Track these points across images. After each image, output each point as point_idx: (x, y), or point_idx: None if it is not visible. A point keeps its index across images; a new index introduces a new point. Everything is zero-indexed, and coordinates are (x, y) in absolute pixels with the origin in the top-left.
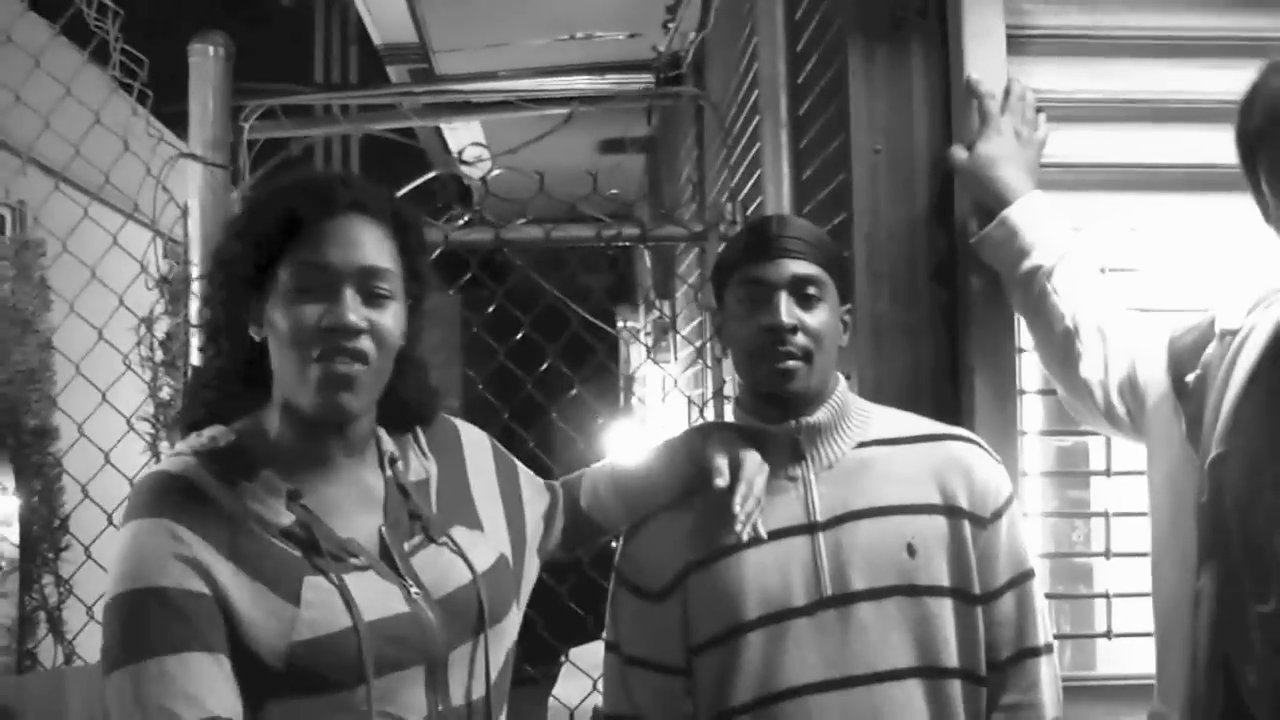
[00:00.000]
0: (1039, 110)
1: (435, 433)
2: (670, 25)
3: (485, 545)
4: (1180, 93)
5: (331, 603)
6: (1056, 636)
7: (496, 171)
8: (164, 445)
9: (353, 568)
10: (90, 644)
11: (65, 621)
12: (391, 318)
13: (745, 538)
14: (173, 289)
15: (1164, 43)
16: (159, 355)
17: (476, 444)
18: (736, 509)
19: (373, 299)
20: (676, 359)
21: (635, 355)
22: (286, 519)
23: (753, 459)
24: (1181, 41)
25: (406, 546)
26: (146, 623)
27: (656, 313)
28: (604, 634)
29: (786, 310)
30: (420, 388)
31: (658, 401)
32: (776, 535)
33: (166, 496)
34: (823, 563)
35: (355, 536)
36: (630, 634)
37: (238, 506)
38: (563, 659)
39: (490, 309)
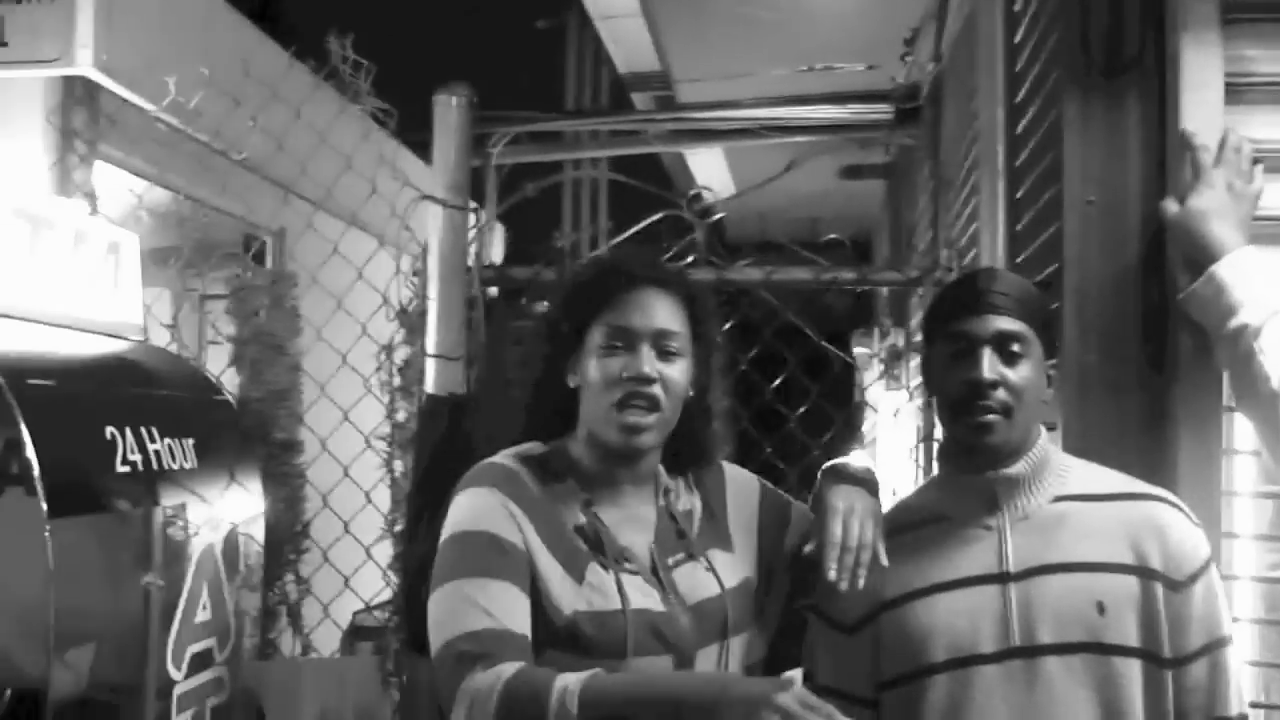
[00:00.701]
0: (1256, 162)
1: (705, 474)
2: (908, 58)
3: (735, 567)
4: None
5: (607, 589)
6: (1258, 706)
7: (720, 214)
8: (398, 463)
9: (626, 570)
10: (324, 638)
11: (303, 616)
12: (679, 372)
13: (844, 588)
14: (410, 320)
15: None
16: (396, 381)
17: (742, 485)
18: (828, 567)
19: (665, 355)
20: (908, 387)
21: (869, 381)
22: (580, 519)
23: (832, 513)
24: None
25: (670, 561)
26: (476, 553)
27: (890, 340)
28: (802, 663)
29: (989, 366)
30: (705, 432)
31: (889, 430)
32: (968, 583)
33: (497, 477)
34: (1012, 613)
35: (630, 547)
36: (824, 664)
37: (545, 498)
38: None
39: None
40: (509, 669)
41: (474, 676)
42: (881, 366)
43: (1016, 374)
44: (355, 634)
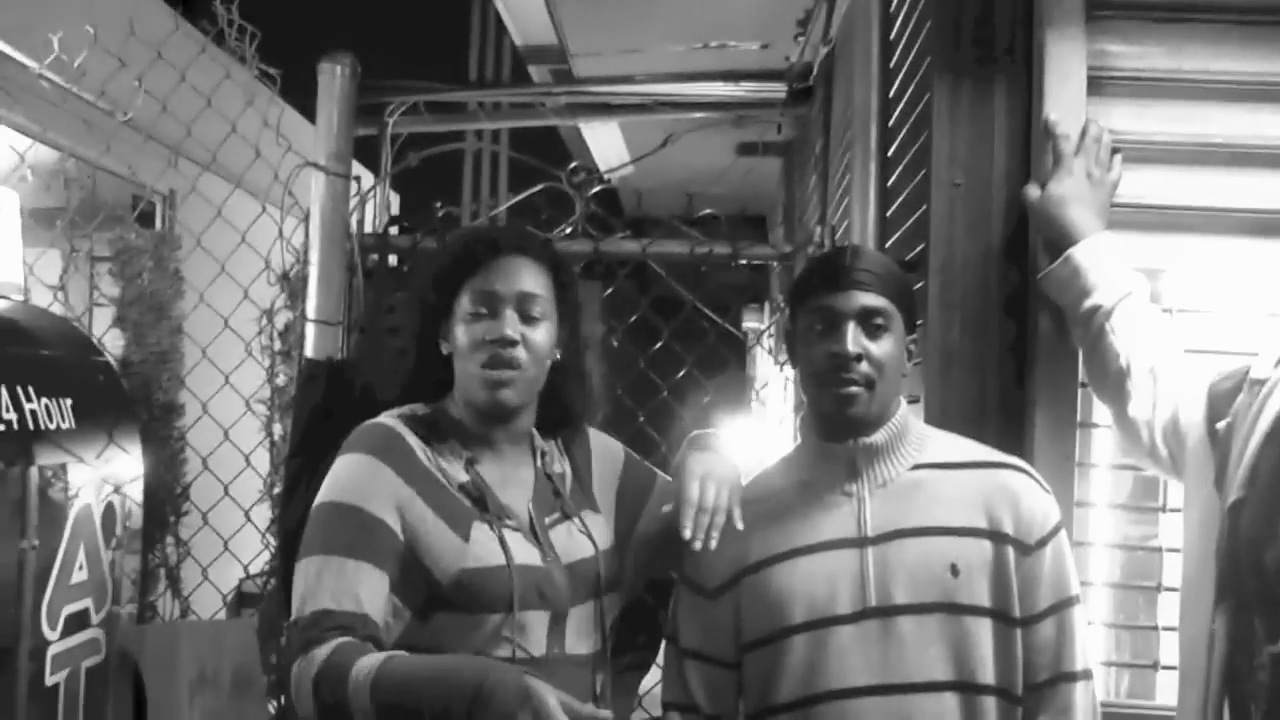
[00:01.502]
0: (1115, 151)
1: (573, 440)
2: (800, 38)
3: (604, 529)
4: (1258, 138)
5: (492, 545)
6: (1111, 664)
7: (599, 187)
8: (277, 427)
9: (507, 527)
10: (203, 600)
11: (182, 579)
12: (543, 334)
13: (697, 547)
14: (292, 285)
15: (1244, 88)
16: (277, 345)
17: (608, 452)
18: (683, 525)
19: (528, 319)
20: (777, 363)
21: (759, 357)
22: (464, 477)
23: (690, 476)
24: (1262, 87)
25: (547, 520)
26: (341, 529)
27: (780, 316)
28: (665, 627)
29: (853, 339)
30: (573, 394)
31: (779, 402)
32: (827, 546)
33: (380, 442)
34: (869, 575)
35: (510, 505)
36: (688, 628)
37: (429, 459)
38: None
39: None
40: (325, 650)
41: (303, 658)
42: (770, 340)
43: (879, 348)
44: (241, 601)
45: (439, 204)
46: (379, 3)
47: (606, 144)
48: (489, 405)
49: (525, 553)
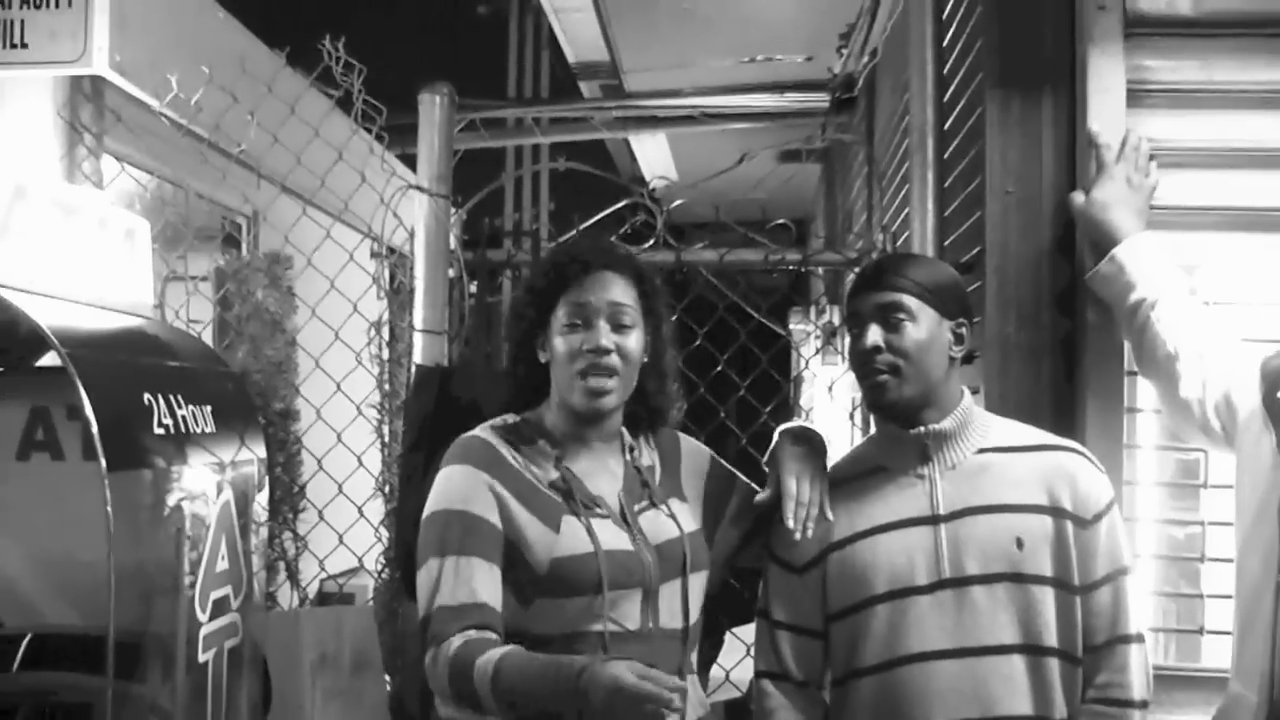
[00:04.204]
0: (1152, 158)
1: (661, 437)
2: (843, 51)
3: (690, 516)
4: None
5: (581, 535)
6: (1159, 630)
7: (679, 202)
8: (386, 429)
9: (597, 515)
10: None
11: (300, 571)
12: (634, 341)
13: (797, 538)
14: (399, 299)
15: (1271, 96)
16: (385, 354)
17: (694, 451)
18: (787, 519)
19: (619, 328)
20: (843, 362)
21: (806, 355)
22: (553, 475)
23: (790, 471)
24: None
25: (636, 508)
26: (454, 532)
27: (825, 317)
28: (758, 603)
29: (871, 335)
30: (660, 393)
31: (825, 402)
32: (904, 524)
33: (475, 452)
34: (943, 550)
35: (601, 495)
36: (779, 602)
37: (521, 465)
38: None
39: (673, 318)
40: (452, 646)
41: (434, 651)
42: (818, 342)
43: (899, 337)
44: (322, 601)
45: (487, 219)
46: (415, 26)
47: (654, 155)
48: (587, 410)
49: (614, 538)
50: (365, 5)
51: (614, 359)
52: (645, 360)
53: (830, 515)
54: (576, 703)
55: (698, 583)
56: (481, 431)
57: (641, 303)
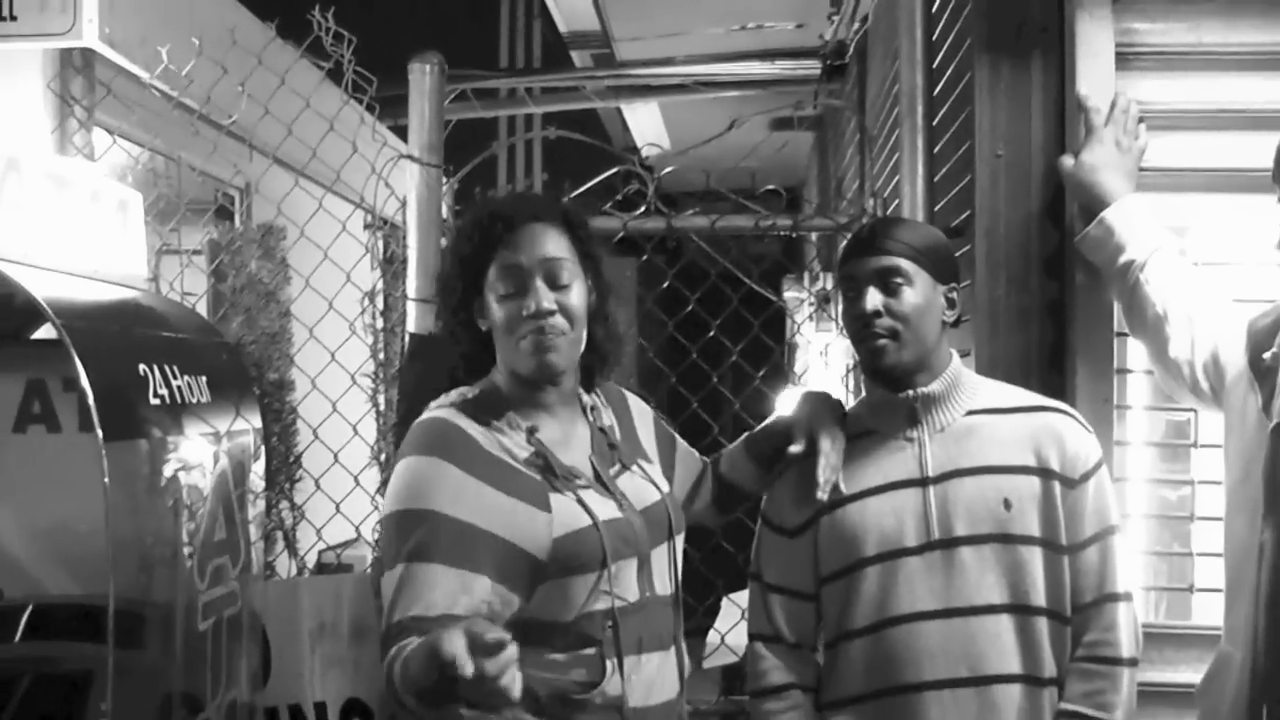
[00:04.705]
0: (1141, 120)
1: (608, 393)
2: (834, 17)
3: (660, 476)
4: (1272, 103)
5: (573, 509)
6: (1151, 589)
7: (669, 169)
8: (381, 398)
9: (579, 486)
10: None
11: (298, 540)
12: (575, 295)
13: (823, 498)
14: (392, 268)
15: (1259, 58)
16: (379, 324)
17: (639, 406)
18: (819, 478)
19: (557, 286)
20: (837, 328)
21: (799, 323)
22: (526, 451)
23: (826, 433)
24: (1275, 56)
25: (610, 472)
26: (409, 536)
27: (819, 284)
28: (749, 566)
29: (870, 299)
30: (611, 340)
31: (820, 368)
32: (893, 487)
33: (439, 438)
34: (931, 511)
35: (575, 464)
36: (771, 565)
37: (490, 443)
38: (723, 600)
39: (664, 285)
40: (399, 660)
41: (386, 668)
42: (811, 308)
43: (899, 302)
44: (320, 571)
45: (478, 189)
46: None
47: (646, 124)
48: (540, 374)
49: (603, 507)
50: None
51: (558, 319)
52: (591, 308)
53: (844, 488)
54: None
55: (680, 543)
56: (441, 411)
57: (576, 249)
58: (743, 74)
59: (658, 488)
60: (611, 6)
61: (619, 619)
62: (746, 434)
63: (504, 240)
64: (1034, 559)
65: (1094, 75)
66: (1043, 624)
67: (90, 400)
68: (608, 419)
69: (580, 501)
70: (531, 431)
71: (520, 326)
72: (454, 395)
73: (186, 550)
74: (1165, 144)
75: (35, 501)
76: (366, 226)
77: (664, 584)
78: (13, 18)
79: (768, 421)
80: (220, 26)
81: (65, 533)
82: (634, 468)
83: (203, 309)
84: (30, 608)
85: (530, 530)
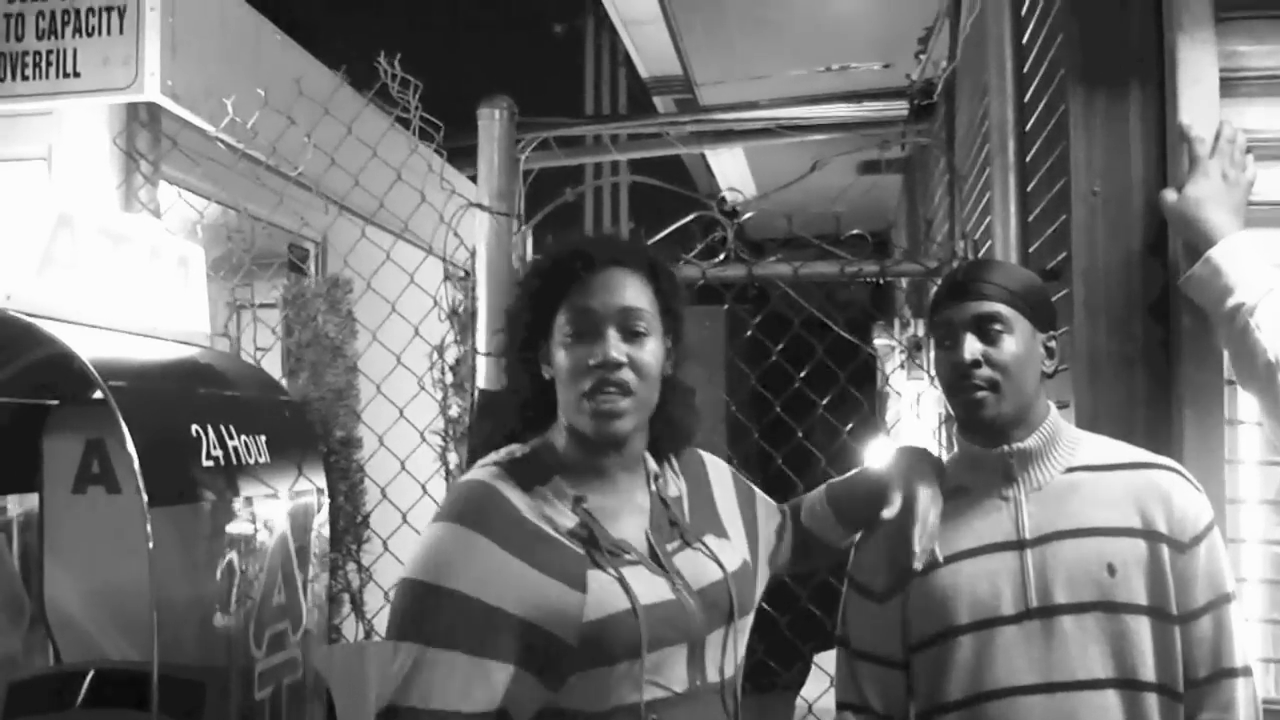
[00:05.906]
0: (1249, 151)
1: (685, 459)
2: (922, 56)
3: (732, 551)
4: None
5: (613, 589)
6: (1266, 661)
7: (749, 215)
8: (451, 456)
9: (626, 562)
10: (386, 623)
11: (365, 603)
12: (649, 351)
13: (919, 567)
14: (461, 321)
15: None
16: (449, 378)
17: (719, 470)
18: (915, 546)
19: (632, 336)
20: (930, 375)
21: (890, 370)
22: (571, 521)
23: (925, 495)
24: None
25: (668, 548)
26: (428, 614)
27: (910, 330)
28: (836, 631)
29: (969, 348)
30: (684, 408)
31: (911, 417)
32: (988, 549)
33: (474, 506)
34: (1029, 577)
35: (626, 538)
36: (858, 630)
37: (532, 511)
38: (811, 663)
39: (746, 334)
40: None
41: None
42: (902, 356)
43: (998, 351)
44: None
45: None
46: (490, 45)
47: (731, 170)
48: (599, 436)
49: (651, 587)
50: (439, 32)
51: (627, 373)
52: (667, 372)
53: (940, 557)
54: None
55: (744, 627)
56: (483, 474)
57: (658, 303)
58: (828, 116)
59: (720, 565)
60: (693, 50)
61: (661, 712)
62: (828, 483)
63: (580, 280)
64: (1141, 629)
65: (1197, 103)
66: (1153, 700)
67: (135, 464)
68: (675, 489)
69: (621, 580)
70: (579, 501)
71: (584, 377)
72: (502, 453)
73: (240, 616)
74: (1276, 175)
75: (93, 563)
76: (447, 278)
77: (717, 670)
78: (76, 74)
79: (853, 473)
80: (286, 76)
81: (123, 596)
82: (698, 544)
83: (276, 364)
84: (91, 674)
85: (560, 611)
